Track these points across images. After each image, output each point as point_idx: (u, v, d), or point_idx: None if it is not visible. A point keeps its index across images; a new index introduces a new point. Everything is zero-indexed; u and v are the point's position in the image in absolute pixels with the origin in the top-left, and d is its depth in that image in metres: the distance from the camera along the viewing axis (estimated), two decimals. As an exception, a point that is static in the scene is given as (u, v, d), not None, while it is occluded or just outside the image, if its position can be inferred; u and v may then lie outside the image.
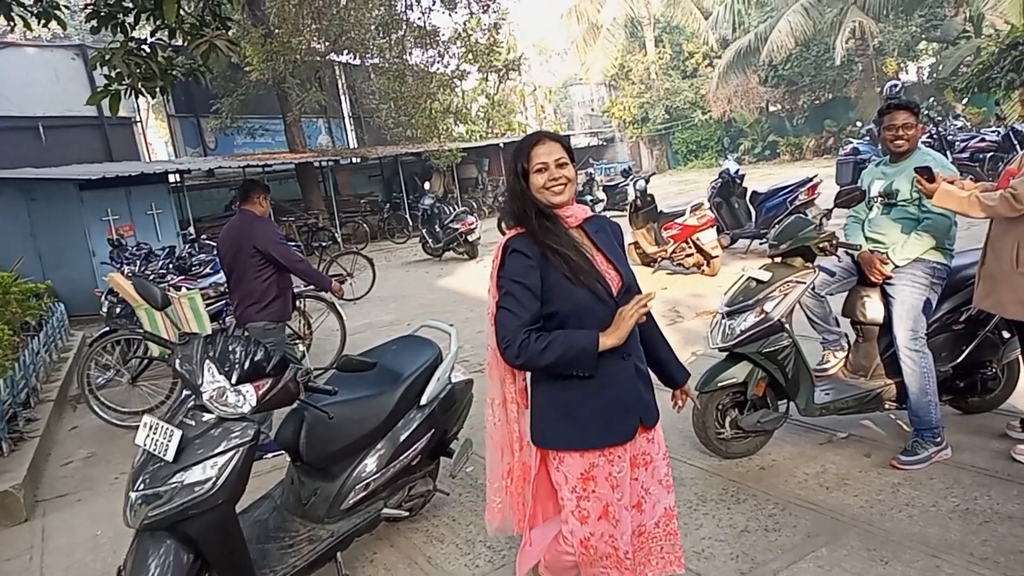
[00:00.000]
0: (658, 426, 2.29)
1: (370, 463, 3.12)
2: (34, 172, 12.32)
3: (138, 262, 8.63)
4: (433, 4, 17.33)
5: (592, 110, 38.87)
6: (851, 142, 15.12)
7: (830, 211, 8.11)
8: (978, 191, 3.21)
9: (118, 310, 6.86)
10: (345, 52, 18.92)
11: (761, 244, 9.46)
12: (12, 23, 4.84)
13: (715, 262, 8.69)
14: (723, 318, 3.73)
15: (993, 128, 13.34)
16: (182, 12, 4.51)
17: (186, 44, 4.49)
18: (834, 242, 3.64)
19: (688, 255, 8.81)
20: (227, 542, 2.52)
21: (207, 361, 2.52)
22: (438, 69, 18.37)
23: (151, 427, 2.45)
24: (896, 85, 12.23)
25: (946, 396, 3.83)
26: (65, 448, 5.52)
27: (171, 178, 14.96)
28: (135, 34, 4.70)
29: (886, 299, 3.67)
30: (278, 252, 4.64)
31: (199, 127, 20.98)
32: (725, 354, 3.78)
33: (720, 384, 3.67)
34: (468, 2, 17.35)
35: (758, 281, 3.67)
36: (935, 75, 24.97)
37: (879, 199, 3.74)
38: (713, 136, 31.75)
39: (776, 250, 3.73)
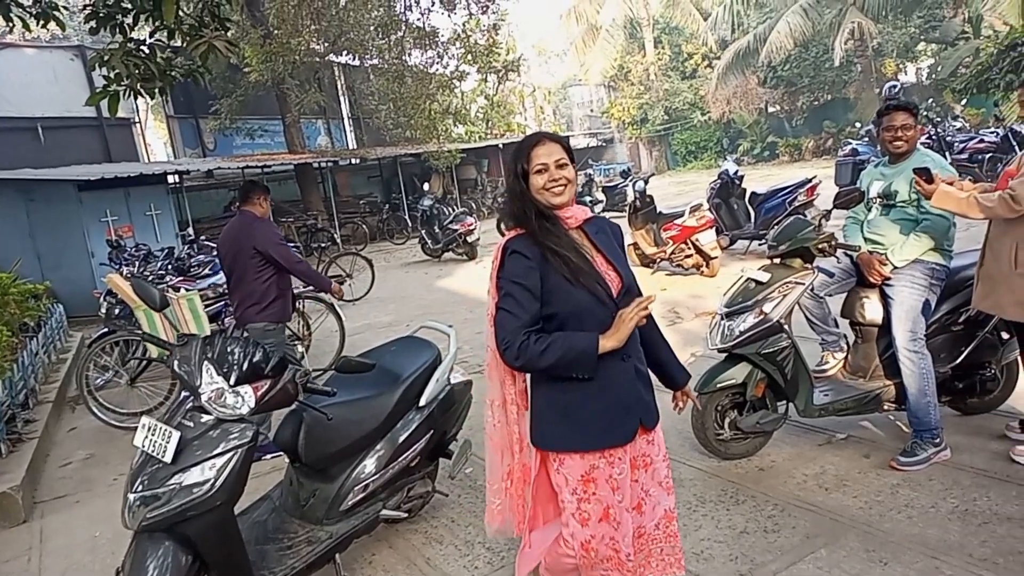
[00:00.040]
0: (658, 428, 2.29)
1: (369, 464, 3.12)
2: (33, 173, 12.32)
3: (137, 263, 8.63)
4: (432, 5, 17.35)
5: (591, 111, 38.88)
6: (850, 143, 15.14)
7: (829, 212, 8.07)
8: (977, 192, 3.21)
9: (117, 311, 6.85)
10: (344, 53, 18.94)
11: (760, 245, 9.47)
12: (11, 24, 4.84)
13: (714, 263, 8.70)
14: (722, 319, 3.73)
15: (992, 129, 13.33)
16: (181, 13, 4.50)
17: (185, 45, 4.48)
18: (833, 243, 3.64)
19: (687, 256, 8.81)
20: (225, 543, 2.52)
21: (205, 362, 2.52)
22: (437, 70, 18.37)
23: (149, 428, 2.45)
24: (895, 86, 12.26)
25: (945, 397, 3.83)
26: (64, 449, 5.51)
27: (170, 179, 14.97)
28: (134, 35, 4.69)
29: (885, 300, 3.68)
30: (278, 253, 4.64)
31: (198, 128, 20.98)
32: (724, 355, 3.78)
33: (719, 385, 3.67)
34: (467, 3, 17.37)
35: (757, 282, 3.67)
36: (934, 76, 24.99)
37: (878, 200, 3.74)
38: (712, 137, 31.76)
39: (775, 251, 3.73)
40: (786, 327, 3.62)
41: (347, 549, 3.10)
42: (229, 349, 2.58)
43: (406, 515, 3.37)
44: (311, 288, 5.65)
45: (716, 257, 8.69)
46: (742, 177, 10.28)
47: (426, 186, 17.17)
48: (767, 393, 3.74)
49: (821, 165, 20.68)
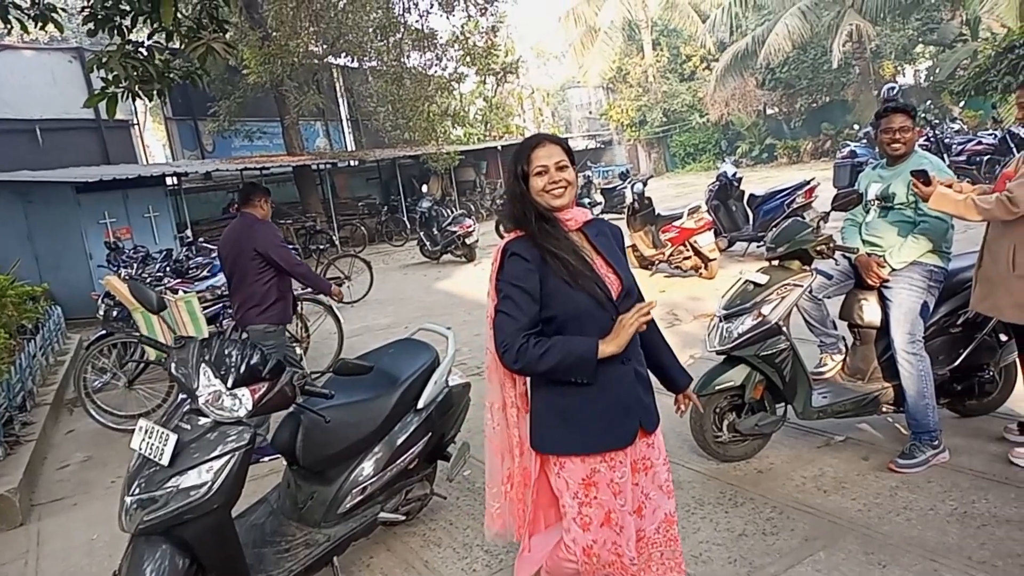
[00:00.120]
0: (658, 431, 2.28)
1: (367, 467, 3.11)
2: (31, 175, 12.31)
3: (135, 265, 8.61)
4: (431, 7, 17.33)
5: (590, 113, 38.88)
6: (848, 145, 15.14)
7: (827, 214, 8.16)
8: (974, 194, 3.21)
9: (115, 313, 6.84)
10: (343, 55, 18.92)
11: (759, 247, 9.48)
12: (9, 26, 4.83)
13: (713, 265, 8.70)
14: (720, 321, 3.73)
15: (990, 131, 13.35)
16: (179, 15, 4.50)
17: (183, 47, 4.48)
18: (831, 245, 3.64)
19: (686, 258, 8.81)
20: (223, 546, 2.51)
21: (203, 365, 2.52)
22: (436, 72, 18.36)
23: (147, 431, 2.44)
24: (893, 88, 12.26)
25: (943, 399, 3.83)
26: (61, 452, 5.50)
27: (168, 181, 14.94)
28: (132, 37, 4.68)
29: (883, 302, 3.68)
30: (278, 255, 4.65)
31: (196, 130, 20.97)
32: (723, 357, 3.78)
33: (718, 387, 3.67)
34: (466, 5, 17.35)
35: (755, 284, 3.67)
36: (932, 78, 25.02)
37: (876, 202, 3.75)
38: (711, 139, 31.78)
39: (773, 253, 3.73)
40: (784, 329, 3.62)
41: (345, 552, 3.10)
42: (226, 352, 2.58)
43: (404, 518, 3.37)
44: (309, 290, 5.64)
45: (714, 259, 8.69)
46: (740, 179, 10.29)
47: (425, 188, 17.17)
48: (765, 395, 3.74)
49: (819, 167, 20.71)
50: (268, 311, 4.69)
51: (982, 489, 3.24)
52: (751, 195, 9.80)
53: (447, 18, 17.40)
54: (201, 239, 11.74)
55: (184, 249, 10.52)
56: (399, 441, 3.18)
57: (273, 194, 5.06)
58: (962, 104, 20.56)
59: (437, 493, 3.58)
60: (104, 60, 4.31)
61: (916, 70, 28.15)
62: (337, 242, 16.68)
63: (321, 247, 11.95)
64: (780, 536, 3.08)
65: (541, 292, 2.07)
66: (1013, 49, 12.08)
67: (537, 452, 2.21)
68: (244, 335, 4.77)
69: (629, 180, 14.25)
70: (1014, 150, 11.39)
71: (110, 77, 4.36)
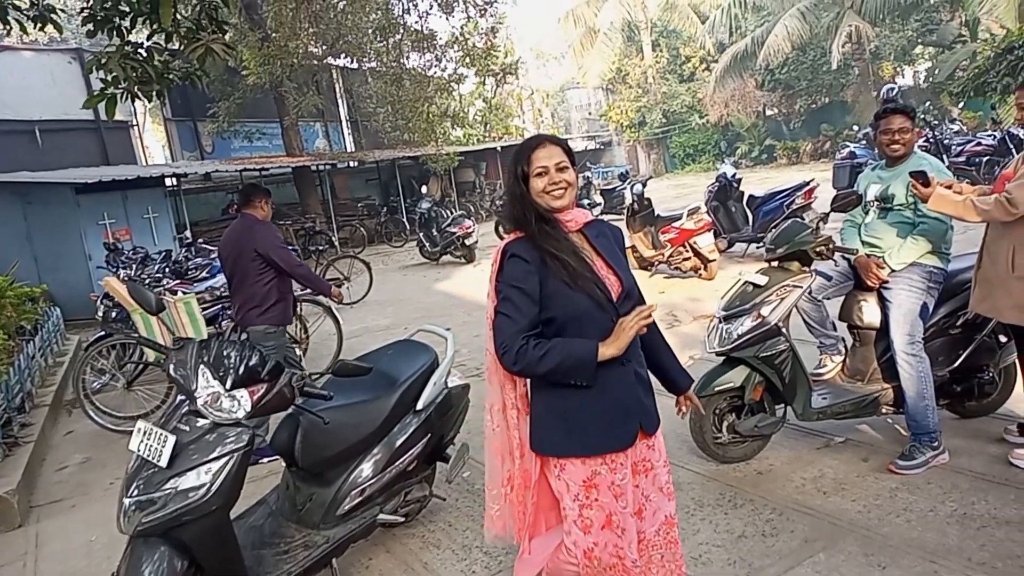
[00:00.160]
0: (659, 432, 2.27)
1: (366, 468, 3.11)
2: (30, 176, 12.29)
3: (134, 266, 8.60)
4: (430, 8, 17.32)
5: (589, 114, 38.88)
6: (848, 146, 15.14)
7: (827, 215, 8.16)
8: (973, 195, 3.21)
9: (114, 314, 6.84)
10: (342, 56, 18.90)
11: (758, 248, 9.47)
12: (8, 27, 4.83)
13: (712, 266, 8.70)
14: (720, 322, 3.72)
15: (989, 132, 13.36)
16: (178, 16, 4.50)
17: (182, 48, 4.48)
18: (831, 246, 3.64)
19: (685, 259, 8.81)
20: (221, 548, 2.51)
21: (201, 366, 2.52)
22: (435, 73, 18.35)
23: (145, 432, 2.44)
24: (892, 89, 12.26)
25: (943, 400, 3.83)
26: (60, 453, 5.49)
27: (168, 182, 14.93)
28: (131, 38, 4.68)
29: (883, 303, 3.67)
30: (279, 256, 4.66)
31: (196, 131, 20.96)
32: (722, 358, 3.78)
33: (717, 388, 3.66)
34: (465, 6, 17.36)
35: (755, 285, 3.67)
36: (931, 79, 25.04)
37: (875, 203, 3.74)
38: (710, 140, 31.79)
39: (773, 254, 3.73)
40: (784, 330, 3.62)
41: (344, 553, 3.09)
42: (225, 353, 2.58)
43: (403, 519, 3.36)
44: (309, 291, 5.64)
45: (714, 260, 8.69)
46: (740, 180, 10.29)
47: (424, 189, 17.17)
48: (765, 396, 3.74)
49: (819, 168, 20.72)
50: (268, 312, 4.69)
51: (982, 490, 3.24)
52: (750, 196, 9.80)
53: (446, 19, 17.43)
54: (200, 240, 11.72)
55: (183, 250, 10.51)
56: (398, 443, 3.18)
57: (272, 195, 5.07)
58: (961, 105, 20.56)
59: (436, 495, 3.58)
60: (103, 61, 4.30)
61: (915, 71, 28.17)
62: (336, 243, 16.68)
63: (320, 248, 11.93)
64: (780, 538, 3.07)
65: (541, 294, 2.06)
66: (1012, 50, 12.10)
67: (537, 454, 2.21)
68: (244, 336, 4.77)
69: (628, 181, 14.25)
70: (1013, 151, 11.39)
71: (109, 78, 4.36)
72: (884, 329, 3.68)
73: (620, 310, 2.10)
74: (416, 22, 17.40)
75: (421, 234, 14.25)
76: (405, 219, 19.32)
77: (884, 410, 3.79)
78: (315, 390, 2.77)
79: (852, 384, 3.92)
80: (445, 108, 19.84)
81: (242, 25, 16.56)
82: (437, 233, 13.74)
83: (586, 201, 16.85)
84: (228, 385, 2.52)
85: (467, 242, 13.23)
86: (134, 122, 20.11)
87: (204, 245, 10.47)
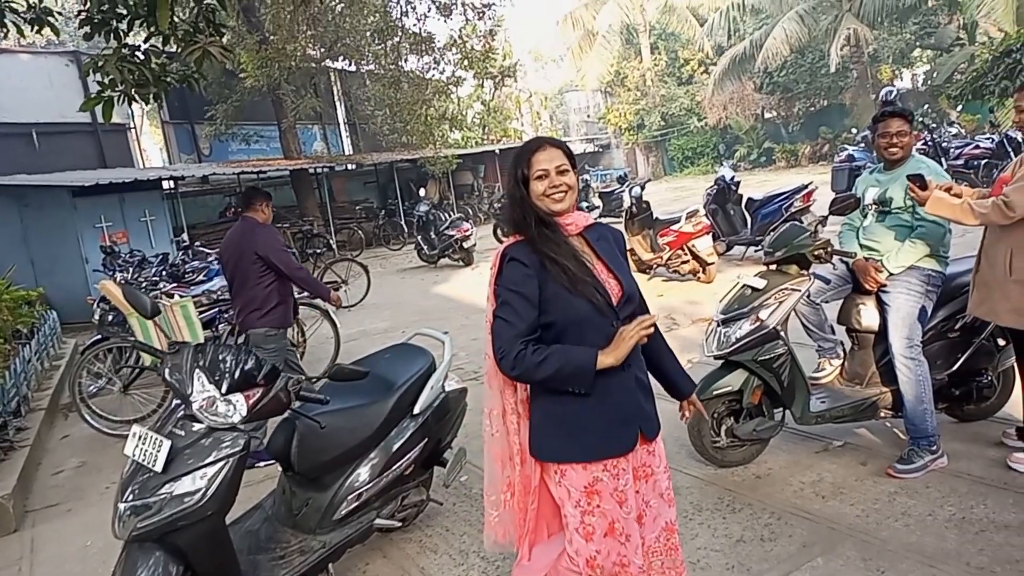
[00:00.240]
0: (659, 438, 2.25)
1: (363, 473, 3.09)
2: (27, 179, 12.26)
3: (131, 269, 8.59)
4: (428, 11, 17.35)
5: (588, 117, 38.92)
6: (846, 149, 15.15)
7: (825, 218, 8.16)
8: (971, 198, 3.20)
9: (110, 318, 6.83)
10: (340, 58, 18.91)
11: (757, 251, 9.47)
12: (5, 30, 4.82)
13: (711, 269, 8.69)
14: (718, 326, 3.72)
15: (987, 135, 13.37)
16: (176, 19, 4.49)
17: (180, 51, 4.47)
18: (829, 249, 3.64)
19: (684, 262, 8.81)
20: (217, 553, 2.50)
21: (197, 371, 2.51)
22: (434, 76, 18.38)
23: (140, 437, 2.43)
24: (891, 92, 12.28)
25: (942, 404, 3.82)
26: (56, 457, 5.47)
27: (165, 185, 14.92)
28: (128, 41, 4.67)
29: (881, 307, 3.67)
30: (279, 259, 4.67)
31: (193, 133, 20.94)
32: (720, 362, 3.77)
33: (716, 392, 3.65)
34: (464, 9, 17.38)
35: (753, 288, 3.66)
36: (929, 82, 25.06)
37: (873, 206, 3.74)
38: (709, 143, 31.83)
39: (771, 257, 3.72)
40: (782, 334, 3.61)
41: (340, 559, 3.08)
42: (221, 357, 2.56)
43: (400, 524, 3.34)
44: (306, 294, 5.63)
45: (712, 263, 8.68)
46: (739, 183, 10.29)
47: (422, 192, 17.17)
48: (763, 400, 3.73)
49: (817, 171, 20.76)
50: (269, 315, 4.70)
51: (980, 494, 3.23)
52: (749, 199, 9.80)
53: (445, 22, 17.55)
54: (198, 243, 11.71)
55: (180, 253, 10.50)
56: (395, 447, 3.16)
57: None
58: (959, 108, 20.58)
59: (433, 499, 3.56)
60: (100, 64, 4.30)
61: (914, 74, 28.23)
62: (334, 246, 16.67)
63: (318, 251, 11.96)
64: (778, 542, 3.06)
65: (540, 298, 2.04)
66: (1010, 53, 12.11)
67: (537, 460, 2.18)
68: (244, 339, 4.77)
69: (627, 184, 14.27)
70: (1011, 154, 11.41)
71: (106, 81, 4.36)
72: (882, 332, 3.68)
73: (621, 315, 2.09)
74: (414, 25, 17.44)
75: (419, 237, 14.25)
76: (403, 222, 19.33)
77: (883, 414, 3.78)
78: (311, 394, 2.76)
79: (850, 388, 3.91)
80: (443, 111, 19.88)
81: (240, 28, 16.56)
82: (435, 236, 13.74)
83: (584, 204, 16.87)
84: (224, 389, 2.51)
85: (465, 245, 13.22)
86: (131, 125, 20.10)
87: (201, 248, 10.47)
